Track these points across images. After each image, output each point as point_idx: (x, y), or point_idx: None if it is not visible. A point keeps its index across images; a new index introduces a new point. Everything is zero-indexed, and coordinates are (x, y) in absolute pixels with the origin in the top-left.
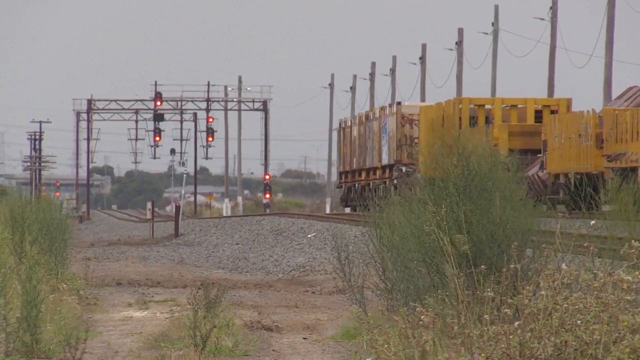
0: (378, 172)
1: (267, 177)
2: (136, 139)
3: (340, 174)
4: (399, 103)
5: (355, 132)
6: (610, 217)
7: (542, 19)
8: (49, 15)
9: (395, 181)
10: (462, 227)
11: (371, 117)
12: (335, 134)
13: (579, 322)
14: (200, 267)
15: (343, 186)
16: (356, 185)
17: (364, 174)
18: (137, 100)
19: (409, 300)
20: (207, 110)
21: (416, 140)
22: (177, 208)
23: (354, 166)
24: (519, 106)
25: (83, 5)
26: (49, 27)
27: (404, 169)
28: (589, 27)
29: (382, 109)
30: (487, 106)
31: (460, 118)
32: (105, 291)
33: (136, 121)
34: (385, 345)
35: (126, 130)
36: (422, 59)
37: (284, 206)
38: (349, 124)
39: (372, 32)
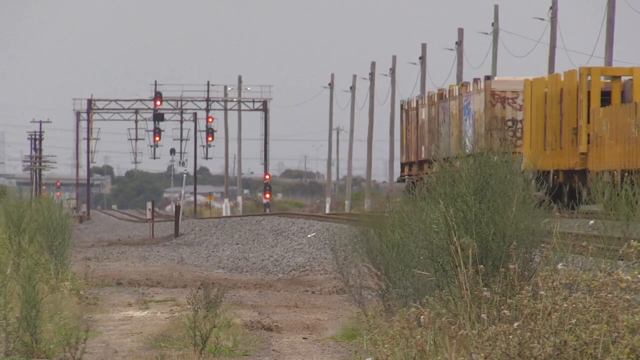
0: (458, 164)
1: (267, 177)
2: (136, 139)
3: (402, 165)
4: (488, 77)
5: (423, 115)
6: None
7: (542, 19)
8: (49, 15)
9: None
10: (472, 229)
11: (447, 96)
12: (334, 134)
13: (578, 322)
14: (200, 267)
15: (406, 180)
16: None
17: (437, 165)
18: (137, 100)
19: (409, 300)
20: (207, 110)
21: (509, 124)
22: (177, 208)
23: (423, 156)
24: None
25: (83, 5)
26: (49, 27)
27: (495, 158)
28: (589, 27)
29: (464, 85)
30: (624, 78)
31: (589, 93)
32: (105, 291)
33: (136, 121)
34: (385, 345)
35: (126, 130)
36: (422, 59)
37: (283, 206)
38: (414, 105)
39: (372, 32)
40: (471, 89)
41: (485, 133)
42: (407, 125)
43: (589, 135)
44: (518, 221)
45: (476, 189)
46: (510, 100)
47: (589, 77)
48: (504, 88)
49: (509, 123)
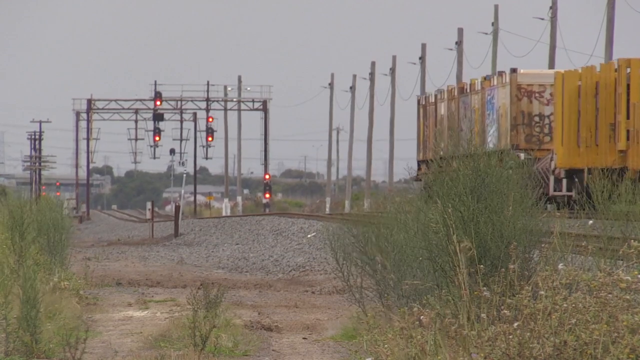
0: (479, 161)
1: (267, 176)
2: (136, 139)
3: (419, 163)
4: (513, 70)
5: (442, 110)
6: None
7: (542, 19)
8: (49, 15)
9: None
10: (470, 228)
11: (467, 90)
12: (334, 134)
13: (578, 322)
14: (200, 267)
15: (423, 180)
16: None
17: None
18: (136, 100)
19: (409, 300)
20: (207, 110)
21: (536, 119)
22: (177, 208)
23: (442, 153)
24: None
25: (83, 5)
26: (49, 27)
27: (522, 155)
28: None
29: (486, 79)
30: None
31: (628, 86)
32: (105, 291)
33: (136, 121)
34: (385, 345)
35: (126, 130)
36: (422, 59)
37: (283, 206)
38: (432, 99)
39: (372, 32)
40: (495, 83)
41: (511, 129)
42: (424, 121)
43: (628, 131)
44: (515, 220)
45: (473, 188)
46: (537, 94)
47: (628, 70)
48: (530, 81)
49: (536, 118)
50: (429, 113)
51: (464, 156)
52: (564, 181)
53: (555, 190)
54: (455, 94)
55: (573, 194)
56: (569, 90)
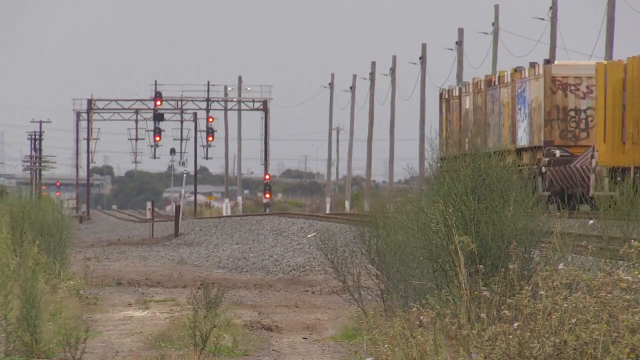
0: (509, 158)
1: (267, 177)
2: (136, 139)
3: (442, 160)
4: (547, 61)
5: (467, 104)
6: None
7: (542, 19)
8: (49, 15)
9: (543, 169)
10: (471, 227)
11: (495, 83)
12: (334, 134)
13: (578, 321)
14: (200, 267)
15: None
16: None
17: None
18: (137, 100)
19: (409, 300)
20: (207, 110)
21: (572, 114)
22: (177, 208)
23: (467, 149)
24: None
25: (83, 5)
26: (49, 27)
27: (557, 152)
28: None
29: (517, 70)
30: None
31: None
32: (105, 291)
33: (136, 121)
34: (385, 345)
35: (126, 130)
36: (422, 58)
37: (283, 206)
38: (456, 93)
39: (372, 32)
40: (527, 75)
41: (545, 124)
42: (447, 115)
43: None
44: (516, 220)
45: (474, 188)
46: (572, 87)
47: None
48: (566, 73)
49: (571, 113)
50: (452, 107)
51: (495, 153)
52: (606, 180)
53: (596, 190)
54: (482, 86)
55: (616, 193)
56: (612, 82)
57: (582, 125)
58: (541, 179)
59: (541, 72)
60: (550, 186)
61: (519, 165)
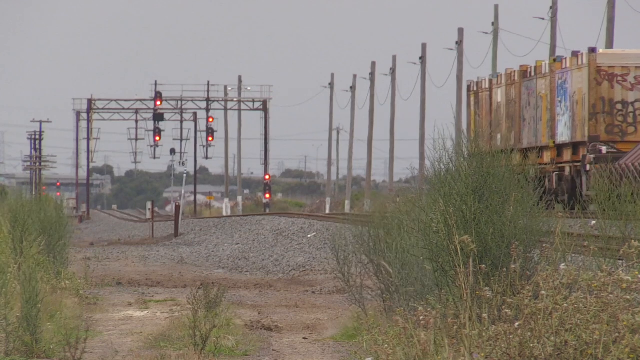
0: (548, 155)
1: (267, 177)
2: (136, 139)
3: (471, 157)
4: (592, 50)
5: (499, 97)
6: None
7: (542, 19)
8: (49, 15)
9: (587, 167)
10: (471, 227)
11: (532, 74)
12: (334, 134)
13: (578, 322)
14: (200, 266)
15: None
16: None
17: (517, 157)
18: (137, 100)
19: (410, 301)
20: (207, 110)
21: (619, 107)
22: (177, 208)
23: (498, 145)
24: None
25: (83, 5)
26: (50, 27)
27: (604, 149)
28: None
29: (556, 60)
30: None
31: None
32: (105, 291)
33: (136, 121)
34: (386, 345)
35: (126, 130)
36: (422, 58)
37: (283, 206)
38: (486, 85)
39: (372, 32)
40: (568, 64)
41: (589, 118)
42: (476, 109)
43: None
44: (516, 220)
45: (475, 188)
46: (619, 78)
47: None
48: (612, 63)
49: (618, 106)
50: (481, 100)
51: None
52: None
53: None
54: (516, 78)
55: None
56: None
57: (630, 119)
58: (586, 178)
59: (585, 61)
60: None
61: (558, 163)
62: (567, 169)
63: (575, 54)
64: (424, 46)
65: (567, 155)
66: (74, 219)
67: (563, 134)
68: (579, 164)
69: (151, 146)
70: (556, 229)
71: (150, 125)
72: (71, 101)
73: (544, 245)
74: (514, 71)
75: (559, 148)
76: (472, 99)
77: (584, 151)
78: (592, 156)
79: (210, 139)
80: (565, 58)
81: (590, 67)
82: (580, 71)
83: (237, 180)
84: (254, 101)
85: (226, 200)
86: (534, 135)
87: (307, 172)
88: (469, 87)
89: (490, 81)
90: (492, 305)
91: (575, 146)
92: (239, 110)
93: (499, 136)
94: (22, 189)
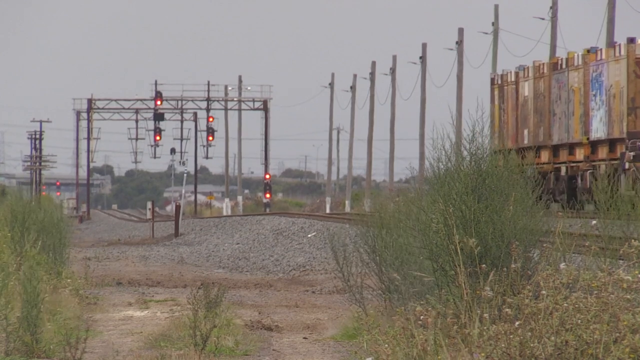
0: (581, 152)
1: (268, 176)
2: (136, 139)
3: (495, 154)
4: (631, 40)
5: (526, 90)
6: None
7: (542, 19)
8: (49, 15)
9: (626, 165)
10: (471, 227)
11: (563, 66)
12: (334, 134)
13: (579, 321)
14: (201, 266)
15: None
16: (529, 171)
17: (546, 154)
18: (137, 100)
19: (410, 300)
20: (208, 109)
21: None
22: (177, 208)
23: (526, 141)
24: None
25: (83, 5)
26: (50, 27)
27: None
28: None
29: (590, 52)
30: None
31: None
32: (105, 291)
33: (136, 121)
34: (386, 345)
35: (126, 130)
36: (423, 58)
37: (284, 206)
38: (511, 78)
39: (372, 32)
40: (603, 56)
41: (628, 113)
42: (500, 103)
43: None
44: (516, 220)
45: (474, 188)
46: None
47: None
48: None
49: None
50: (507, 94)
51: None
52: None
53: None
54: (545, 70)
55: None
56: None
57: None
58: (624, 176)
59: (623, 52)
60: (635, 183)
61: (593, 161)
62: (603, 167)
63: (613, 45)
64: (424, 46)
65: (603, 152)
66: (74, 219)
67: (598, 130)
68: (616, 161)
69: (151, 146)
70: (557, 229)
71: (151, 125)
72: (71, 101)
73: (544, 245)
74: (543, 63)
75: (593, 145)
76: (496, 92)
77: (622, 148)
78: (632, 154)
79: (210, 138)
80: (601, 49)
81: (629, 59)
82: (617, 63)
83: (238, 180)
84: (254, 101)
85: (226, 200)
86: (565, 131)
87: (307, 171)
88: (492, 80)
89: (517, 74)
90: (492, 305)
91: (612, 143)
92: (239, 110)
93: (525, 132)
94: (22, 189)
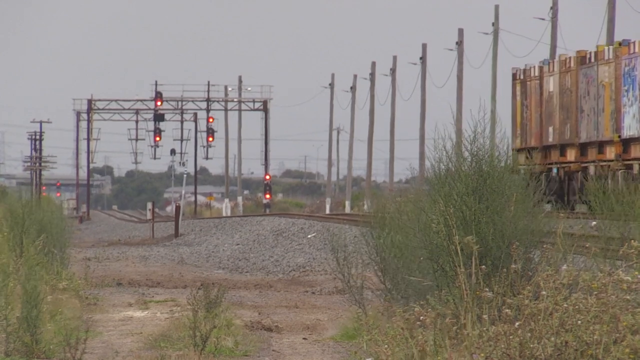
0: (612, 150)
1: (268, 177)
2: (136, 139)
3: (517, 152)
4: None
5: (551, 86)
6: None
7: (542, 19)
8: (49, 15)
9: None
10: (472, 227)
11: (591, 59)
12: (334, 134)
13: (579, 322)
14: (201, 267)
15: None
16: (555, 170)
17: (572, 153)
18: (137, 100)
19: (410, 300)
20: (208, 110)
21: None
22: (177, 208)
23: (550, 139)
24: None
25: (83, 5)
26: (50, 27)
27: None
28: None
29: (621, 45)
30: None
31: None
32: (105, 291)
33: (136, 121)
34: (385, 345)
35: (126, 130)
36: (423, 59)
37: (284, 206)
38: (535, 73)
39: (372, 32)
40: (636, 49)
41: None
42: (523, 99)
43: None
44: (516, 221)
45: (475, 188)
46: None
47: None
48: None
49: None
50: (530, 90)
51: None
52: None
53: None
54: (572, 64)
55: None
56: None
57: None
58: None
59: None
60: None
61: (625, 160)
62: (636, 167)
63: (612, 44)
64: (424, 46)
65: (636, 151)
66: (74, 220)
67: (631, 127)
68: None
69: (151, 146)
70: (558, 229)
71: (151, 125)
72: (71, 101)
73: (544, 245)
74: (569, 57)
75: (625, 143)
76: (517, 88)
77: None
78: None
79: (210, 139)
80: (634, 42)
81: None
82: None
83: (237, 181)
84: (254, 101)
85: (226, 200)
86: (594, 129)
87: (307, 172)
88: (514, 75)
89: (541, 68)
90: (492, 305)
91: None
92: (239, 110)
93: (550, 129)
94: (22, 189)
